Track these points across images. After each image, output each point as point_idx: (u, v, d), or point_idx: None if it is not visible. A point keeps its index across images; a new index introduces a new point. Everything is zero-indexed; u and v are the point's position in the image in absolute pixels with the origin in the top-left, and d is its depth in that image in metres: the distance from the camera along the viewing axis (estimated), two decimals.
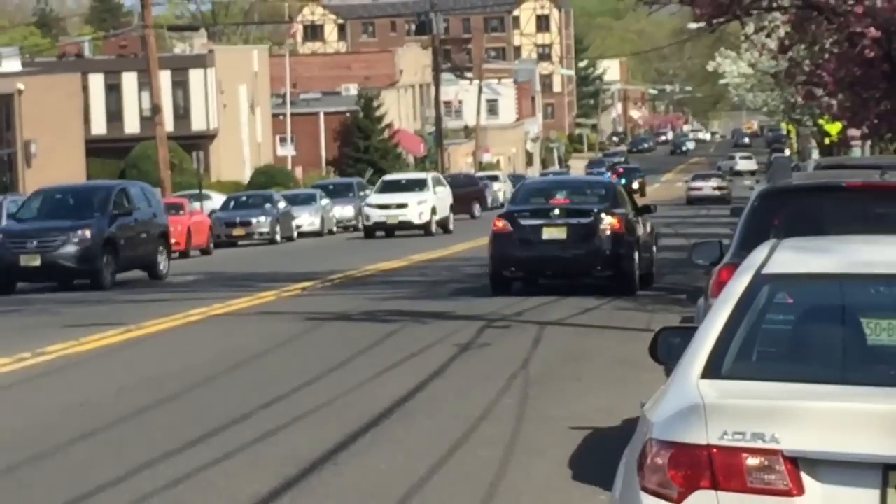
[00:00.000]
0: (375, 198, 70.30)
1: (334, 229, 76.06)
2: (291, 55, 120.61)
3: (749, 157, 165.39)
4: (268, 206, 70.38)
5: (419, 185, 71.38)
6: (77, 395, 19.28)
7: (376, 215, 67.66)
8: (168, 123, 75.91)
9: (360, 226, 79.44)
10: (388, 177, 78.68)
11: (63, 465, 14.36)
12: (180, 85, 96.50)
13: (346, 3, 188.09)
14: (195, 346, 24.78)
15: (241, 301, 32.39)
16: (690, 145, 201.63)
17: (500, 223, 34.26)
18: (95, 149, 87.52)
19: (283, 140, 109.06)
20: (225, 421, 16.36)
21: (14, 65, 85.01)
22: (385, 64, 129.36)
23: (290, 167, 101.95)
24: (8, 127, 76.86)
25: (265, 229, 67.45)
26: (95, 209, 40.40)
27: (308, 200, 76.30)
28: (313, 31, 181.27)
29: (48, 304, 34.80)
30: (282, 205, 71.45)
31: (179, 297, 34.36)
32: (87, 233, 38.81)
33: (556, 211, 34.23)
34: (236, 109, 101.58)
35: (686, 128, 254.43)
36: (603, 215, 33.37)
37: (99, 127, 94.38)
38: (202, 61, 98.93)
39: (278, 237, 67.96)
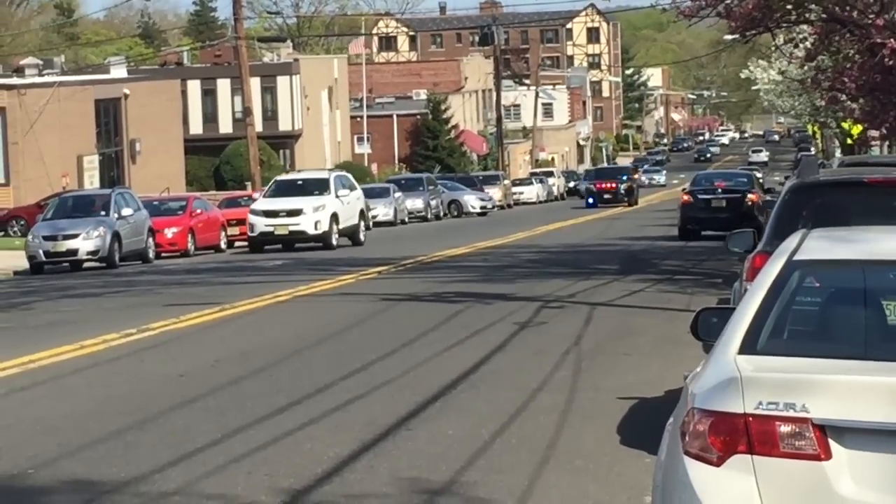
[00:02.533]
0: (263, 203, 51.63)
1: (406, 220, 76.08)
2: (367, 63, 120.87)
3: (760, 150, 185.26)
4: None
5: (319, 186, 52.33)
6: (177, 367, 19.36)
7: (261, 225, 49.84)
8: (258, 124, 76.02)
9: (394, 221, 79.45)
10: (282, 177, 58.27)
11: (165, 429, 14.44)
12: (269, 90, 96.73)
13: (416, 16, 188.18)
14: (282, 324, 24.84)
15: (323, 283, 32.43)
16: (715, 150, 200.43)
17: (686, 197, 51.29)
18: (193, 147, 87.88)
19: (360, 139, 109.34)
20: (310, 390, 16.41)
21: (121, 72, 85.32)
22: (451, 71, 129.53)
23: (366, 164, 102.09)
24: (115, 127, 77.12)
25: None
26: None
27: (383, 193, 76.33)
28: (387, 42, 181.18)
29: (151, 285, 34.96)
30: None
31: (268, 280, 34.44)
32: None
33: (719, 190, 51.57)
34: (318, 112, 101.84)
35: (721, 129, 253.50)
36: (747, 193, 50.57)
37: (196, 127, 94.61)
38: (288, 69, 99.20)
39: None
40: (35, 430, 14.62)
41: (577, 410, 14.79)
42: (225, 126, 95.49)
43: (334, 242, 49.89)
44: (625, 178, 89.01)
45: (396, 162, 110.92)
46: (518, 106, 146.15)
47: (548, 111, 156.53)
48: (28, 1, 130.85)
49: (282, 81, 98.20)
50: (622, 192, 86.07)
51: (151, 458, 12.75)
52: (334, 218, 50.22)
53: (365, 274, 34.96)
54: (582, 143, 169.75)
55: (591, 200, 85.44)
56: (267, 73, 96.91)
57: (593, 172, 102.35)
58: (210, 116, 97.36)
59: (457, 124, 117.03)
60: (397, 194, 77.00)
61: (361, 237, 53.12)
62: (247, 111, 69.57)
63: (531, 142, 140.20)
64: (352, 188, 54.19)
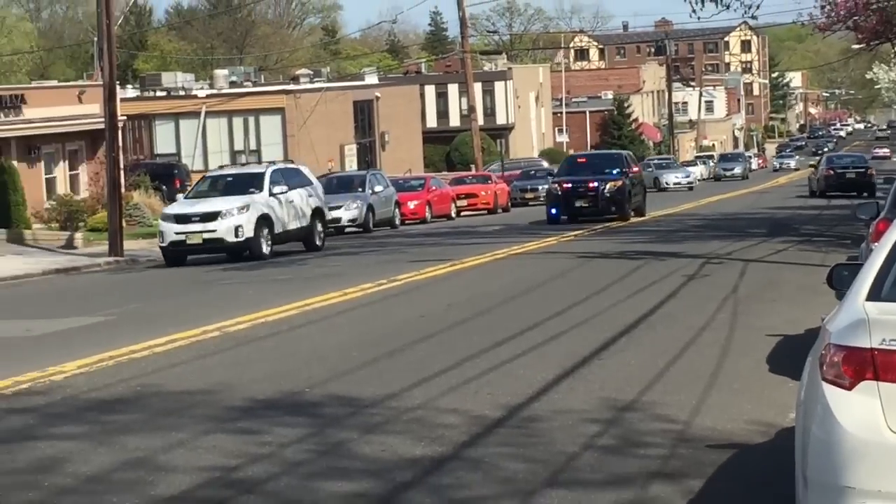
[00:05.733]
0: (176, 206, 34.76)
1: None
2: (566, 71, 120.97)
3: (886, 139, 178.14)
4: (549, 177, 70.45)
5: (251, 184, 34.01)
6: (418, 310, 19.52)
7: (171, 233, 32.52)
8: (480, 119, 76.42)
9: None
10: (212, 173, 38.06)
11: (409, 358, 14.57)
12: (488, 92, 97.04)
13: (605, 33, 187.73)
14: (499, 276, 24.92)
15: (531, 244, 32.47)
16: (831, 145, 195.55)
17: (828, 171, 59.23)
18: (429, 137, 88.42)
19: (559, 130, 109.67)
20: (521, 328, 16.45)
21: (373, 79, 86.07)
22: (632, 76, 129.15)
23: (564, 150, 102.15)
24: (369, 123, 77.81)
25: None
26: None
27: None
28: (581, 54, 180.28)
29: (398, 246, 35.24)
30: None
31: (488, 241, 34.55)
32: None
33: (849, 166, 60.47)
34: (527, 109, 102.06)
35: (848, 119, 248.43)
36: (867, 168, 60.61)
37: (431, 122, 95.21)
38: (503, 76, 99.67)
39: None
40: (310, 359, 14.85)
41: (734, 345, 14.66)
42: (454, 121, 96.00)
43: (263, 250, 32.75)
44: (614, 173, 42.92)
45: (588, 148, 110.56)
46: (685, 103, 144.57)
47: (709, 107, 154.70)
48: (301, 25, 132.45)
49: (498, 86, 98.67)
50: (605, 196, 41.81)
51: (399, 380, 12.88)
52: (262, 222, 32.87)
53: (565, 237, 34.91)
54: (737, 132, 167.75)
55: (553, 212, 42.16)
56: (486, 79, 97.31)
57: (564, 164, 48.42)
58: (442, 113, 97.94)
59: (636, 118, 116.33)
60: None
61: (318, 241, 35.91)
62: (471, 109, 69.93)
63: (696, 132, 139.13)
64: (307, 185, 36.28)
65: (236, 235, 32.36)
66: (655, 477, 8.84)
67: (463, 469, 9.17)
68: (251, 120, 69.24)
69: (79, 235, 42.88)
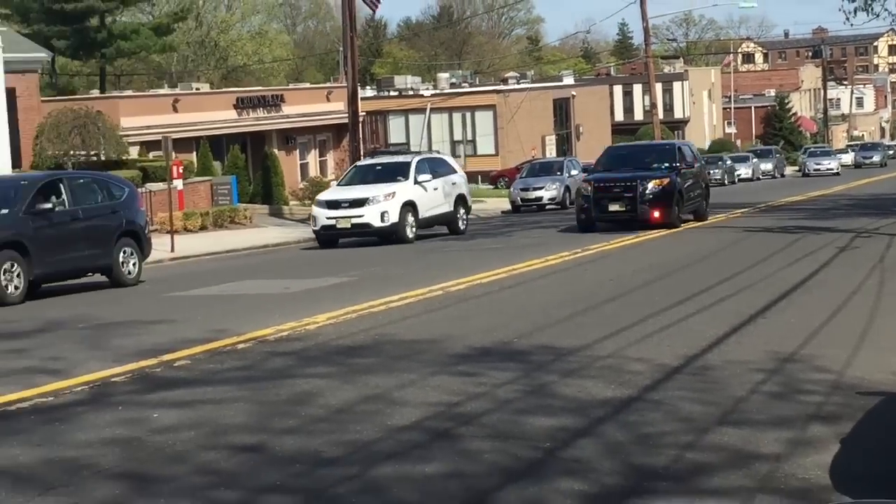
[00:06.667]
0: (329, 193, 32.62)
1: (760, 177, 74.37)
2: (734, 72, 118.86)
3: None
4: (719, 162, 69.48)
5: (398, 172, 31.66)
6: (608, 274, 19.46)
7: (323, 218, 30.49)
8: (660, 114, 75.59)
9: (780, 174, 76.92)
10: (362, 162, 35.10)
11: (600, 315, 14.51)
12: (667, 91, 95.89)
13: (768, 39, 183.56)
14: (678, 246, 24.66)
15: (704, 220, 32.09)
16: None
17: None
18: (616, 129, 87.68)
19: (728, 123, 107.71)
20: (695, 290, 16.26)
21: (569, 80, 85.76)
22: (792, 76, 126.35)
23: (732, 139, 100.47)
24: (566, 117, 77.54)
25: (718, 176, 66.73)
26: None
27: (743, 160, 74.87)
28: (748, 57, 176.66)
29: None
30: (728, 162, 70.32)
31: None
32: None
33: None
34: (700, 105, 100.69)
35: None
36: None
37: (619, 116, 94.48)
38: (680, 77, 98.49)
39: (726, 181, 67.00)
40: (518, 314, 14.90)
41: (881, 308, 14.26)
42: (638, 115, 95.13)
43: (408, 235, 30.36)
44: (663, 168, 30.37)
45: (753, 138, 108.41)
46: (838, 99, 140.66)
47: (859, 102, 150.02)
48: (509, 35, 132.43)
49: (676, 85, 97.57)
50: (645, 198, 29.17)
51: (591, 334, 12.85)
52: (407, 208, 30.56)
53: (733, 214, 34.37)
54: (883, 124, 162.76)
55: (582, 217, 30.25)
56: (666, 79, 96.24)
57: (602, 158, 33.50)
58: (628, 109, 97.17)
59: (795, 112, 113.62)
60: (754, 160, 75.34)
61: (461, 226, 33.03)
62: (652, 105, 69.06)
63: (847, 124, 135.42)
64: (450, 174, 33.31)
65: (382, 220, 30.16)
66: (812, 419, 8.68)
67: (647, 408, 9.12)
68: (468, 115, 69.65)
69: None
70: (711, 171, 65.66)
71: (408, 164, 31.87)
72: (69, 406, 10.13)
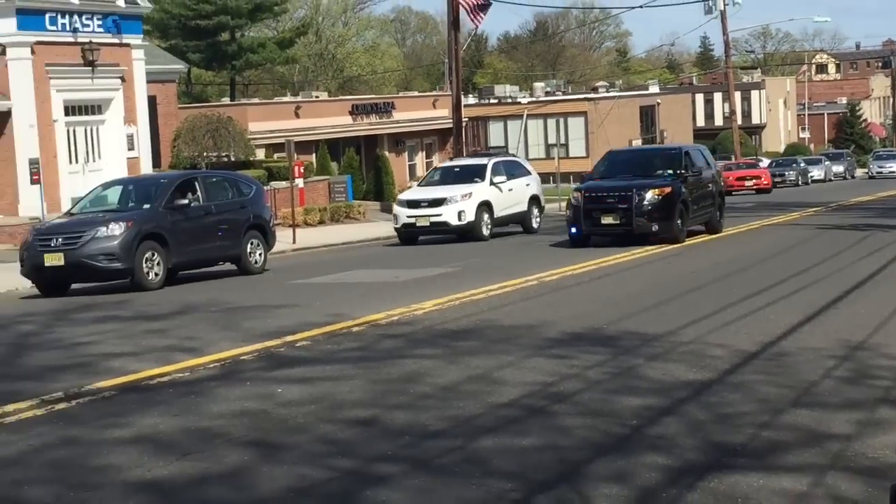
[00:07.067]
0: (410, 193, 31.68)
1: (832, 178, 73.00)
2: (808, 81, 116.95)
3: None
4: (794, 164, 68.49)
5: (475, 174, 30.66)
6: (690, 266, 19.27)
7: (403, 216, 29.78)
8: (738, 120, 74.74)
9: (846, 176, 75.60)
10: (443, 164, 35.91)
11: (683, 304, 14.36)
12: (745, 99, 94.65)
13: (841, 51, 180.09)
14: (755, 241, 24.30)
15: (779, 217, 31.63)
16: None
17: None
18: (697, 134, 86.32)
19: (802, 128, 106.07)
20: (770, 283, 16.03)
21: (655, 89, 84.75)
22: (863, 85, 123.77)
23: (806, 144, 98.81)
24: (651, 123, 76.85)
25: (793, 178, 65.77)
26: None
27: (816, 162, 73.52)
28: (820, 68, 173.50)
29: None
30: (802, 165, 69.24)
31: (747, 215, 33.78)
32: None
33: None
34: (776, 111, 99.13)
35: None
36: None
37: (700, 122, 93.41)
38: (758, 86, 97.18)
39: (800, 182, 65.95)
40: (606, 303, 14.82)
41: None
42: (718, 121, 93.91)
43: (484, 233, 29.60)
44: (666, 176, 24.90)
45: (826, 143, 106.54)
46: None
47: None
48: (599, 48, 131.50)
49: (754, 93, 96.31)
50: (641, 210, 23.86)
51: (675, 321, 12.74)
52: (483, 208, 29.68)
53: (806, 212, 33.83)
54: None
55: (573, 231, 24.59)
56: (744, 88, 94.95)
57: (600, 163, 27.32)
58: (708, 115, 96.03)
59: (865, 118, 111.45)
60: (826, 162, 74.01)
61: (534, 224, 31.84)
62: (732, 112, 68.26)
63: None
64: (524, 175, 32.13)
65: (459, 219, 29.36)
66: (882, 402, 8.53)
67: (726, 390, 9.03)
68: (561, 121, 69.22)
69: None
70: (786, 173, 64.75)
71: (484, 167, 31.00)
72: (203, 381, 10.30)
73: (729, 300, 14.28)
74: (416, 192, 31.00)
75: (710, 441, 7.47)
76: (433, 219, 29.44)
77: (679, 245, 23.29)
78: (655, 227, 23.86)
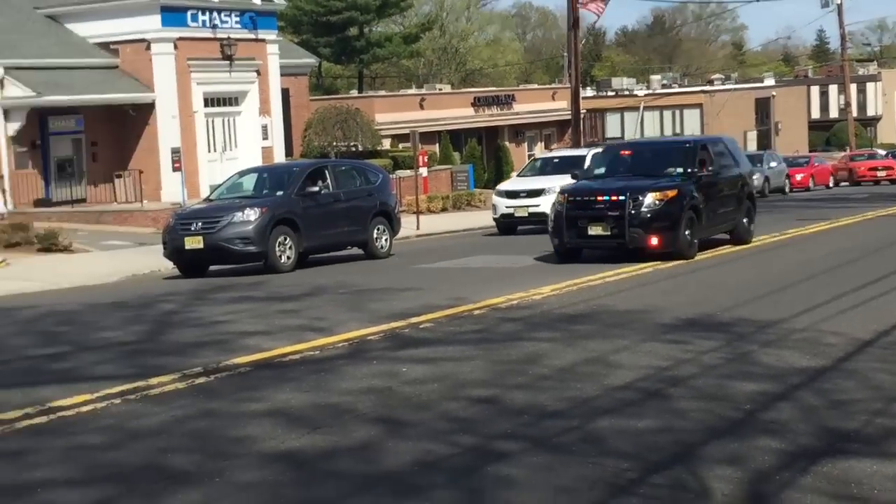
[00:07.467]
0: (508, 183, 30.96)
1: None
2: None
3: None
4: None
5: (574, 165, 27.16)
6: (803, 256, 18.88)
7: (502, 206, 28.65)
8: (854, 112, 72.88)
9: None
10: (542, 154, 35.73)
11: (796, 292, 14.04)
12: (861, 91, 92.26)
13: None
14: (866, 232, 23.69)
15: (892, 209, 30.78)
16: None
17: None
18: (812, 126, 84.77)
19: None
20: (883, 273, 15.63)
21: (770, 82, 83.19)
22: None
23: None
24: (766, 115, 75.32)
25: None
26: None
27: None
28: None
29: (786, 209, 34.02)
30: None
31: (858, 206, 32.89)
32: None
33: None
34: (892, 104, 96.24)
35: None
36: None
37: (815, 114, 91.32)
38: (874, 78, 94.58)
39: None
40: (720, 290, 14.59)
41: None
42: (833, 113, 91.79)
43: None
44: (674, 175, 19.09)
45: None
46: None
47: None
48: (715, 41, 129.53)
49: (869, 86, 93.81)
50: (637, 218, 18.16)
51: (788, 308, 12.50)
52: None
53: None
54: None
55: (556, 242, 19.10)
56: (860, 80, 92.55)
57: (598, 160, 21.75)
58: (823, 107, 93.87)
59: None
60: None
61: None
62: (847, 104, 66.64)
63: None
64: None
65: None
66: None
67: (840, 377, 8.84)
68: (677, 113, 68.55)
69: None
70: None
71: (583, 158, 28.52)
72: (332, 359, 10.44)
73: (841, 289, 13.93)
74: (514, 183, 29.86)
75: (824, 426, 7.33)
76: (531, 209, 28.06)
77: (686, 262, 18.38)
78: (655, 241, 18.28)
